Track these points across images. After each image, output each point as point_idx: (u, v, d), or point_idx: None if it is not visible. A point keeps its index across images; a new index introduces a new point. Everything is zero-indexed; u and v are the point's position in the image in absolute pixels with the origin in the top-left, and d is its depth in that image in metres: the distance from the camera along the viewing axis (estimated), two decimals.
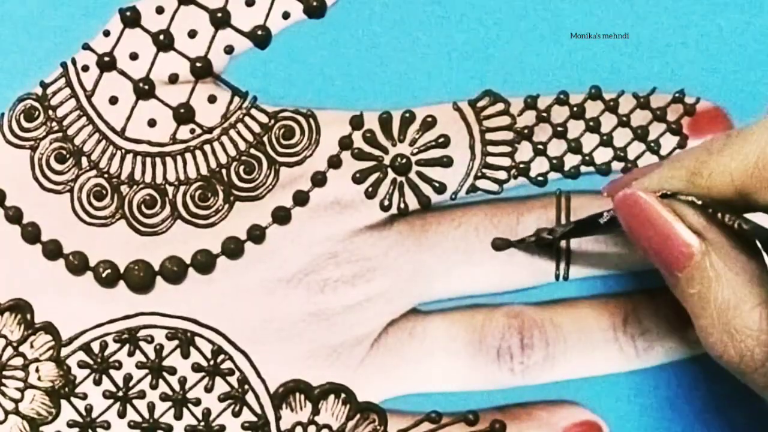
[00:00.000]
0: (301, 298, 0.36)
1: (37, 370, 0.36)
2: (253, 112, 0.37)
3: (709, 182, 0.31)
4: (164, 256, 0.36)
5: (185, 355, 0.36)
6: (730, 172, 0.31)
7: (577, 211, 0.38)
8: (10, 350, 0.36)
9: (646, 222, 0.32)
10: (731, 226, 0.30)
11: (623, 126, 0.38)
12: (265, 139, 0.37)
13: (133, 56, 0.37)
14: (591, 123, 0.38)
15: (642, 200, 0.32)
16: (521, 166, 0.37)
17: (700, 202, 0.31)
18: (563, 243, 0.37)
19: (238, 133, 0.37)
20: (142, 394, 0.36)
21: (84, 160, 0.37)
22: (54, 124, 0.37)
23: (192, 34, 0.37)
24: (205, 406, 0.36)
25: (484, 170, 0.37)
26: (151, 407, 0.36)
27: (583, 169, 0.38)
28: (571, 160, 0.38)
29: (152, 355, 0.36)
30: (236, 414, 0.36)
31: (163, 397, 0.36)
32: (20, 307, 0.36)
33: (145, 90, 0.37)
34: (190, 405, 0.36)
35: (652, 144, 0.38)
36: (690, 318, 0.37)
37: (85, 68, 0.37)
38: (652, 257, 0.32)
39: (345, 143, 0.37)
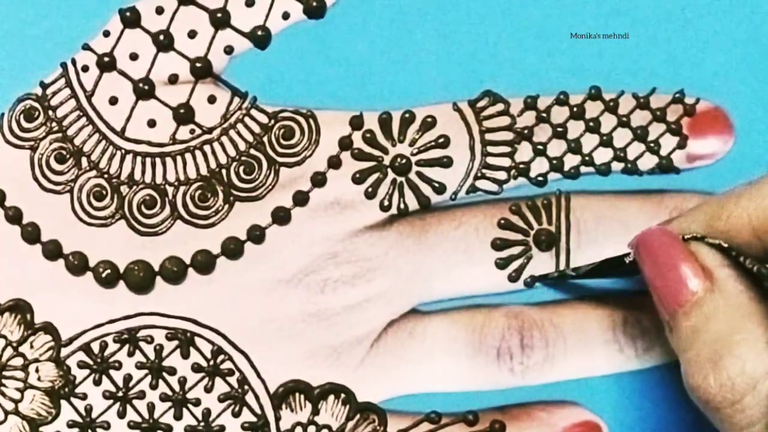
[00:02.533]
0: (301, 298, 0.36)
1: (36, 371, 0.36)
2: (253, 112, 0.37)
3: (727, 225, 0.32)
4: (164, 257, 0.36)
5: (185, 356, 0.36)
6: (748, 213, 0.31)
7: (577, 211, 0.38)
8: (9, 350, 0.36)
9: (657, 256, 0.32)
10: (750, 269, 0.31)
11: (623, 126, 0.38)
12: (265, 139, 0.37)
13: (133, 56, 0.37)
14: (591, 123, 0.38)
15: (657, 234, 0.33)
16: (521, 166, 0.37)
17: (726, 245, 0.32)
18: (563, 243, 0.37)
19: (238, 133, 0.37)
20: (141, 395, 0.36)
21: (84, 160, 0.37)
22: (54, 124, 0.37)
23: (192, 34, 0.37)
24: (205, 407, 0.36)
25: (483, 170, 0.37)
26: (151, 407, 0.36)
27: (582, 169, 0.38)
28: (571, 161, 0.38)
29: (152, 356, 0.36)
30: (236, 414, 0.36)
31: (163, 398, 0.36)
32: (20, 308, 0.36)
33: (144, 90, 0.37)
34: (189, 405, 0.36)
35: (652, 144, 0.38)
36: None
37: (85, 68, 0.37)
38: (656, 292, 0.33)
39: (345, 143, 0.37)
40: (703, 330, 0.31)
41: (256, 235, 0.36)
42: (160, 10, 0.37)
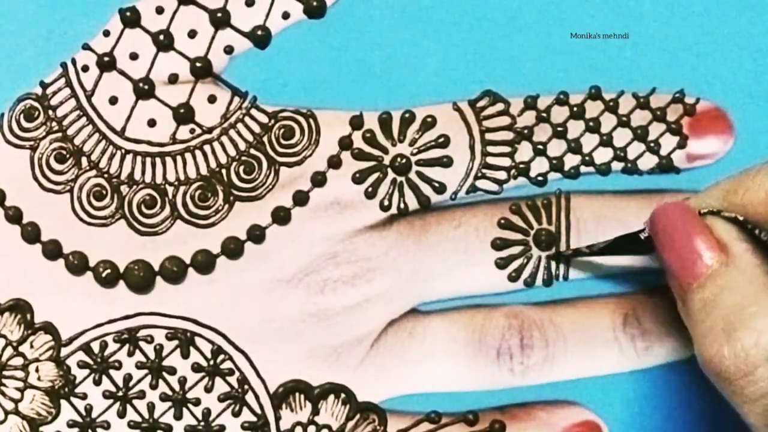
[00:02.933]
0: (301, 298, 0.36)
1: (36, 370, 0.36)
2: (253, 112, 0.37)
3: (743, 199, 0.32)
4: (164, 256, 0.36)
5: (185, 355, 0.36)
6: (765, 189, 0.31)
7: (577, 211, 0.38)
8: (9, 350, 0.36)
9: (673, 230, 0.32)
10: (766, 243, 0.31)
11: (623, 126, 0.38)
12: (265, 139, 0.37)
13: (133, 56, 0.37)
14: (591, 123, 0.38)
15: (672, 209, 0.33)
16: (521, 166, 0.37)
17: (741, 218, 0.32)
18: (563, 243, 0.37)
19: (238, 133, 0.37)
20: (141, 394, 0.36)
21: (84, 160, 0.37)
22: (54, 124, 0.37)
23: (192, 34, 0.37)
24: (205, 406, 0.36)
25: (483, 170, 0.37)
26: (151, 407, 0.36)
27: (582, 169, 0.38)
28: (571, 160, 0.38)
29: (152, 355, 0.36)
30: (236, 414, 0.36)
31: (163, 397, 0.36)
32: (20, 307, 0.36)
33: (144, 90, 0.37)
34: (189, 405, 0.36)
35: (652, 144, 0.38)
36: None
37: (85, 68, 0.37)
38: (670, 266, 0.33)
39: (345, 143, 0.37)
40: (718, 302, 0.31)
41: (256, 234, 0.36)
42: (160, 10, 0.37)
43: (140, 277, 0.36)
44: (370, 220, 0.37)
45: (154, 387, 0.36)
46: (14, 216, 0.36)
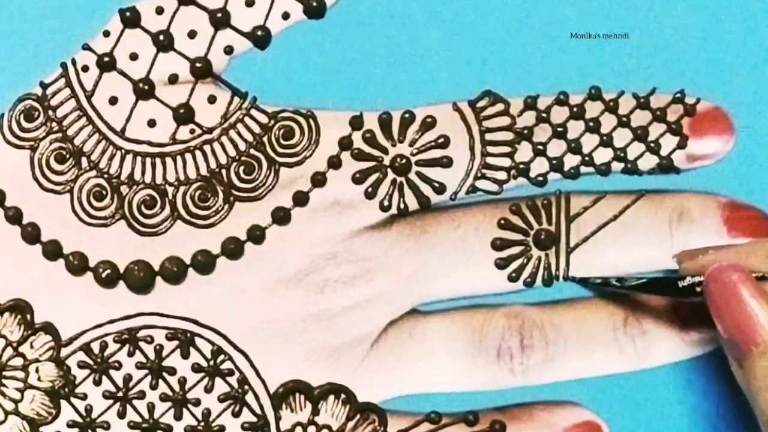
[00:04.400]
0: (301, 298, 0.36)
1: (36, 371, 0.36)
2: (253, 112, 0.37)
3: None
4: (164, 257, 0.36)
5: (185, 356, 0.36)
6: None
7: (577, 211, 0.38)
8: (9, 351, 0.36)
9: (733, 299, 0.33)
10: None
11: (623, 126, 0.38)
12: (265, 139, 0.37)
13: (133, 56, 0.37)
14: (591, 123, 0.38)
15: (729, 271, 0.34)
16: (521, 166, 0.37)
17: None
18: (563, 243, 0.37)
19: (238, 133, 0.37)
20: (141, 395, 0.36)
21: (84, 160, 0.37)
22: (54, 124, 0.37)
23: (192, 34, 0.37)
24: (205, 407, 0.36)
25: (483, 170, 0.37)
26: (151, 408, 0.36)
27: (582, 169, 0.38)
28: (571, 161, 0.38)
29: (152, 356, 0.36)
30: (236, 414, 0.36)
31: (163, 398, 0.36)
32: (20, 308, 0.36)
33: (144, 90, 0.37)
34: (189, 405, 0.36)
35: (652, 144, 0.38)
36: (691, 320, 0.37)
37: (85, 68, 0.37)
38: (729, 332, 0.33)
39: (345, 144, 0.37)
40: None
41: (256, 235, 0.36)
42: (160, 10, 0.37)
43: (140, 278, 0.36)
44: (370, 221, 0.37)
45: (154, 387, 0.36)
46: (14, 216, 0.36)
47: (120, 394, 0.36)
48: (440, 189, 0.37)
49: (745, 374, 0.33)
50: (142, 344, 0.36)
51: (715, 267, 0.34)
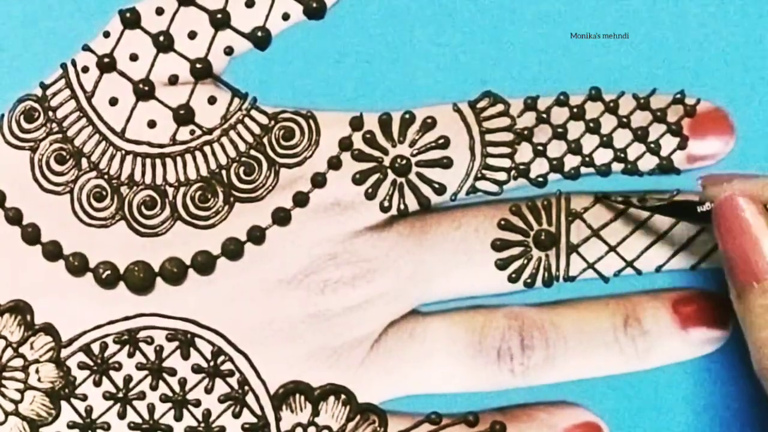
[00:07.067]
0: (301, 299, 0.36)
1: (37, 372, 0.36)
2: (253, 113, 0.37)
3: None
4: (164, 257, 0.36)
5: (185, 357, 0.36)
6: None
7: (577, 212, 0.38)
8: (10, 351, 0.36)
9: (739, 228, 0.32)
10: None
11: (623, 127, 0.38)
12: (265, 140, 0.37)
13: (133, 57, 0.37)
14: (591, 124, 0.38)
15: (741, 207, 0.33)
16: (521, 167, 0.37)
17: None
18: (563, 244, 0.37)
19: (238, 134, 0.37)
20: (142, 396, 0.36)
21: (84, 161, 0.37)
22: (54, 125, 0.37)
23: (192, 35, 0.37)
24: (205, 408, 0.36)
25: (483, 171, 0.37)
26: (151, 408, 0.36)
27: (583, 170, 0.38)
28: (571, 161, 0.38)
29: (152, 357, 0.36)
30: (236, 415, 0.36)
31: (163, 399, 0.36)
32: (20, 309, 0.36)
33: (144, 91, 0.37)
34: (190, 406, 0.36)
35: (652, 145, 0.38)
36: (691, 320, 0.37)
37: (85, 69, 0.37)
38: (731, 263, 0.32)
39: (345, 144, 0.37)
40: None
41: (256, 236, 0.36)
42: (160, 11, 0.37)
43: (140, 278, 0.36)
44: (370, 221, 0.37)
45: (154, 388, 0.36)
46: (14, 217, 0.36)
47: (120, 394, 0.36)
48: (440, 190, 0.37)
49: (742, 310, 0.33)
50: (142, 345, 0.36)
51: (727, 194, 0.33)
